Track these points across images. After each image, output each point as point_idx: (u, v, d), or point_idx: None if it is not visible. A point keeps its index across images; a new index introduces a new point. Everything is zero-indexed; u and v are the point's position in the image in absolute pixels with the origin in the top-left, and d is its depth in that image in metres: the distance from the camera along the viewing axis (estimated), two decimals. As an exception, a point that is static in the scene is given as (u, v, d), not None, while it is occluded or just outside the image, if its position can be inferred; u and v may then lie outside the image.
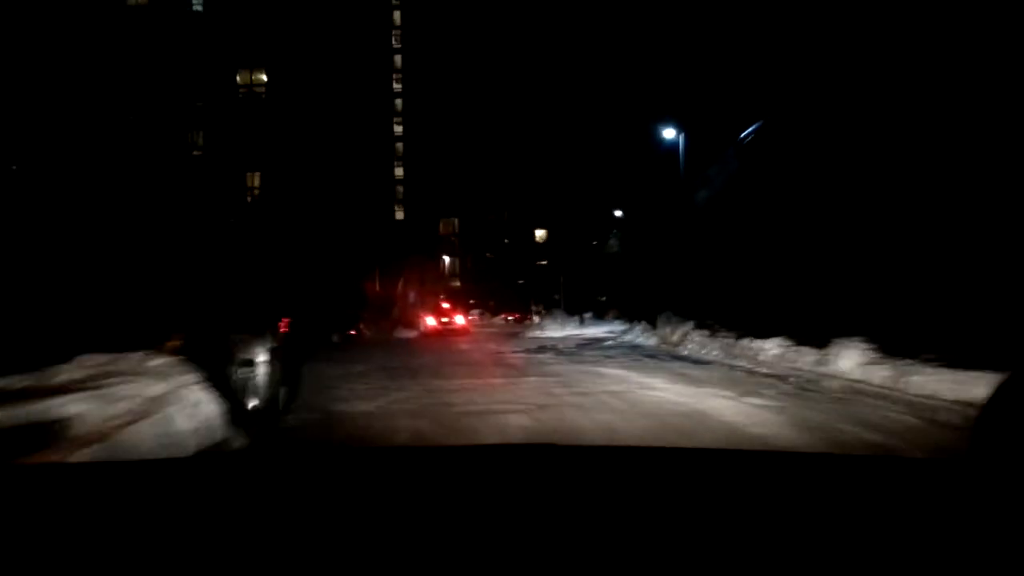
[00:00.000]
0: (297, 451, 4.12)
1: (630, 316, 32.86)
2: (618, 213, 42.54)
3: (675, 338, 19.50)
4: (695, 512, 1.23)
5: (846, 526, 1.14)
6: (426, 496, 1.34)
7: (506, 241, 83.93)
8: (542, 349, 21.57)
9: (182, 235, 32.32)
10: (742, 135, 23.11)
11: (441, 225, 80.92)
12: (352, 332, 27.36)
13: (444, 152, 53.18)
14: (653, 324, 25.10)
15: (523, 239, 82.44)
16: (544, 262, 75.51)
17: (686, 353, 16.33)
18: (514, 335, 31.68)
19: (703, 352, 15.38)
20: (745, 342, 13.02)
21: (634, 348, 21.13)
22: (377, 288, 35.65)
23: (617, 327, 31.29)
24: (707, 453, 2.14)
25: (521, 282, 73.06)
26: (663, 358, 15.61)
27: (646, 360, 15.17)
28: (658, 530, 1.11)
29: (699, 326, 18.47)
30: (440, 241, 77.47)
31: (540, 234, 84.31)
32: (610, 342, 24.67)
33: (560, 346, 23.19)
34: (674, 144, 24.72)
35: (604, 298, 49.44)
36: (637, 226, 35.75)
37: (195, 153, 35.88)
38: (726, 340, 14.64)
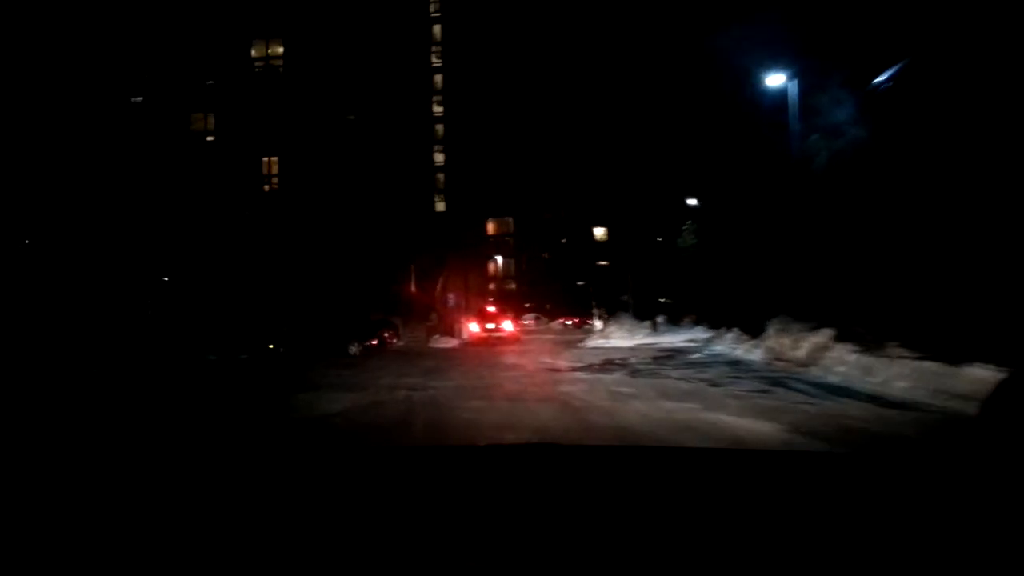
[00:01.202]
0: (302, 451, 3.47)
1: (712, 321, 27.23)
2: (692, 201, 36.82)
3: (800, 353, 13.84)
4: (696, 510, 1.24)
5: (846, 524, 1.14)
6: (432, 494, 1.36)
7: (563, 240, 79.35)
8: (609, 366, 16.24)
9: (186, 232, 28.10)
10: (879, 79, 17.25)
11: (494, 224, 76.53)
12: (374, 342, 22.43)
13: (492, 137, 47.58)
14: (750, 331, 19.51)
15: (582, 238, 77.97)
16: (605, 262, 70.28)
17: (836, 381, 10.68)
18: (573, 344, 26.27)
19: (874, 381, 9.69)
20: (987, 372, 7.29)
21: (735, 365, 15.58)
22: (412, 290, 30.75)
23: (699, 334, 25.63)
24: (708, 453, 2.17)
25: (580, 284, 68.13)
26: (806, 389, 10.04)
27: (782, 392, 9.64)
28: (659, 528, 1.12)
29: (841, 336, 12.78)
30: (491, 239, 72.74)
31: (600, 232, 79.73)
32: (697, 355, 19.10)
33: (632, 360, 17.79)
34: (779, 96, 18.97)
35: (669, 300, 43.83)
36: (719, 213, 29.89)
37: (208, 139, 31.63)
38: (919, 364, 8.94)
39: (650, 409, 8.35)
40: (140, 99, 31.38)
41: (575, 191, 73.54)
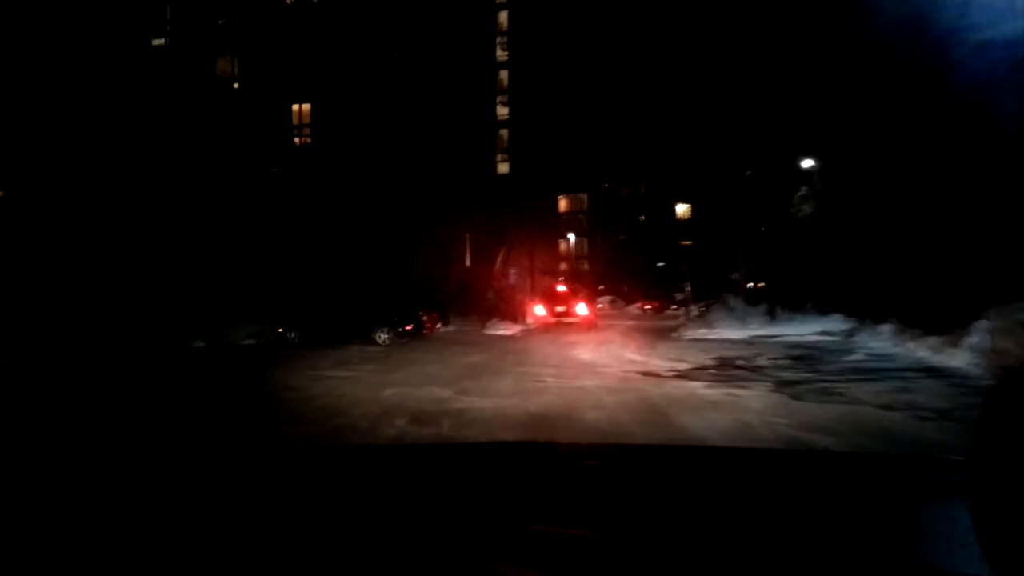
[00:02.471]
0: (299, 451, 3.03)
1: (844, 307, 21.28)
2: (807, 163, 30.59)
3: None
4: (696, 508, 1.22)
5: (845, 523, 1.13)
6: (429, 492, 1.31)
7: (642, 218, 73.74)
8: (733, 371, 10.87)
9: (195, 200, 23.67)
10: None
11: (566, 201, 71.23)
12: (409, 327, 17.50)
13: (565, 92, 41.55)
14: (919, 323, 13.85)
15: (662, 216, 71.98)
16: (688, 242, 64.14)
17: None
18: (664, 333, 20.75)
19: None
20: None
21: (940, 377, 9.97)
22: (467, 264, 25.79)
23: (833, 324, 19.76)
24: (709, 452, 2.15)
25: (661, 264, 62.37)
26: None
27: None
28: (659, 527, 1.10)
29: None
30: (563, 217, 67.39)
31: (681, 209, 73.43)
32: (854, 356, 13.36)
33: (762, 361, 12.32)
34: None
35: (768, 282, 37.65)
36: (851, 171, 23.62)
37: (234, 86, 27.26)
38: None
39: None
40: (161, 42, 27.27)
41: (655, 164, 67.40)
